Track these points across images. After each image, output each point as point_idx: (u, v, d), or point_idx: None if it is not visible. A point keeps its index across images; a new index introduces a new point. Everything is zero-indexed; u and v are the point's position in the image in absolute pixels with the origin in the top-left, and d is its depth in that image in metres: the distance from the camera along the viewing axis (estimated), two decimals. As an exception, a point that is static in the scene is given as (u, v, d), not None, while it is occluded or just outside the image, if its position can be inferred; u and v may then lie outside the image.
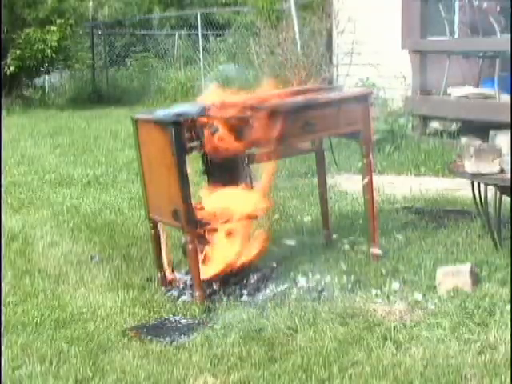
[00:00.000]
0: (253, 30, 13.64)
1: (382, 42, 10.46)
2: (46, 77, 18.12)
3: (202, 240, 4.45)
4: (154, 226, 4.71)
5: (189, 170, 4.27)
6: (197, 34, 17.76)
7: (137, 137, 4.58)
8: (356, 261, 4.86)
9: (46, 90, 18.11)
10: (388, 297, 4.26)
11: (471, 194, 5.15)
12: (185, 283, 4.57)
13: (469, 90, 8.95)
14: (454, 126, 9.08)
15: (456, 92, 8.99)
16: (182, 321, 4.09)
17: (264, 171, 4.71)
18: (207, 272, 4.43)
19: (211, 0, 22.36)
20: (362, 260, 4.87)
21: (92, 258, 5.21)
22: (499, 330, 3.78)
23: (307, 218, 5.88)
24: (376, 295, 4.29)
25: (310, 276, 4.57)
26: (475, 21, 9.05)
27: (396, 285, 4.41)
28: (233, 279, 4.52)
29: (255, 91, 4.69)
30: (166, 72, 17.49)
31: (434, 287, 4.34)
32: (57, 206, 6.76)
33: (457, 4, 10.47)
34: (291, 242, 5.04)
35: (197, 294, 4.32)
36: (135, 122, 4.55)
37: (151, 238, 4.78)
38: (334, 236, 5.30)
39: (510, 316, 3.92)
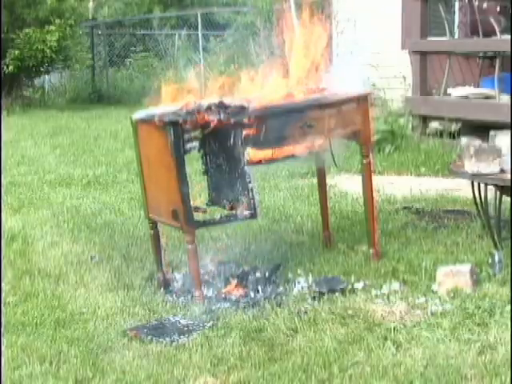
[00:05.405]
0: (253, 29, 13.64)
1: (382, 43, 10.46)
2: (46, 77, 18.10)
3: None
4: (154, 226, 4.71)
5: (188, 170, 4.27)
6: (197, 34, 17.76)
7: (136, 137, 4.58)
8: (356, 261, 4.86)
9: (46, 90, 18.10)
10: (388, 297, 4.26)
11: (471, 194, 5.14)
12: (184, 283, 4.57)
13: (469, 90, 8.94)
14: (454, 126, 9.08)
15: (456, 92, 8.98)
16: (182, 321, 4.09)
17: None
18: None
19: (211, 0, 22.36)
20: (362, 260, 4.87)
21: (92, 258, 5.21)
22: (499, 330, 3.78)
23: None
24: (376, 295, 4.30)
25: (310, 276, 4.57)
26: (475, 21, 9.04)
27: (396, 285, 4.41)
28: (233, 280, 4.52)
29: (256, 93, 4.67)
30: (165, 72, 17.48)
31: (434, 287, 4.35)
32: (57, 206, 6.76)
33: (457, 4, 10.48)
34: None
35: (197, 294, 4.32)
36: (134, 122, 4.55)
37: (151, 238, 4.79)
38: (334, 236, 5.30)
39: (509, 316, 3.92)
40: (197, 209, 4.42)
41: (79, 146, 10.21)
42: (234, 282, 4.49)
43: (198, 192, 4.89)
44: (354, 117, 4.75)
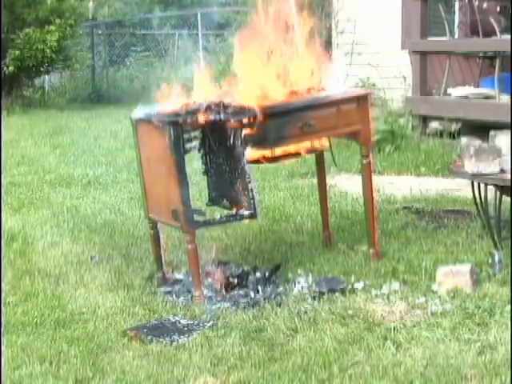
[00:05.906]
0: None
1: (382, 43, 10.46)
2: (46, 77, 18.09)
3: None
4: (154, 226, 4.71)
5: (188, 170, 4.27)
6: (197, 34, 17.76)
7: (136, 137, 4.58)
8: (356, 261, 4.86)
9: (46, 90, 18.09)
10: (388, 297, 4.26)
11: (471, 194, 5.14)
12: (184, 283, 4.57)
13: (469, 90, 8.94)
14: (454, 126, 9.08)
15: (456, 92, 8.98)
16: (182, 321, 4.09)
17: None
18: None
19: (211, 0, 22.36)
20: (362, 260, 4.87)
21: (92, 258, 5.21)
22: (499, 330, 3.78)
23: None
24: (376, 295, 4.29)
25: (310, 276, 4.57)
26: (475, 21, 9.04)
27: (396, 285, 4.41)
28: (233, 279, 4.52)
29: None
30: (165, 72, 17.49)
31: (434, 288, 4.35)
32: (57, 206, 6.76)
33: (457, 4, 10.48)
34: None
35: (196, 294, 4.32)
36: (134, 122, 4.55)
37: (151, 238, 4.79)
38: (334, 236, 5.30)
39: (509, 316, 3.92)
40: (196, 211, 4.42)
41: (79, 146, 10.20)
42: (234, 281, 4.49)
43: (198, 192, 4.90)
44: (354, 117, 4.75)
